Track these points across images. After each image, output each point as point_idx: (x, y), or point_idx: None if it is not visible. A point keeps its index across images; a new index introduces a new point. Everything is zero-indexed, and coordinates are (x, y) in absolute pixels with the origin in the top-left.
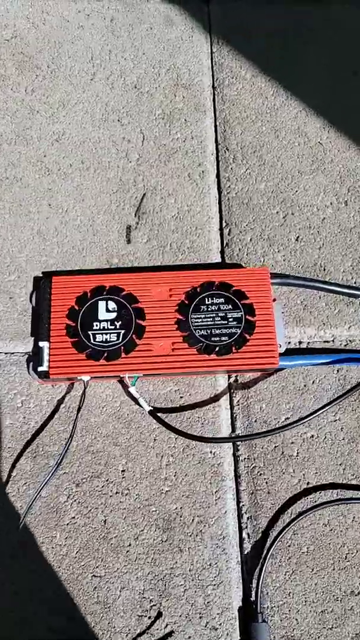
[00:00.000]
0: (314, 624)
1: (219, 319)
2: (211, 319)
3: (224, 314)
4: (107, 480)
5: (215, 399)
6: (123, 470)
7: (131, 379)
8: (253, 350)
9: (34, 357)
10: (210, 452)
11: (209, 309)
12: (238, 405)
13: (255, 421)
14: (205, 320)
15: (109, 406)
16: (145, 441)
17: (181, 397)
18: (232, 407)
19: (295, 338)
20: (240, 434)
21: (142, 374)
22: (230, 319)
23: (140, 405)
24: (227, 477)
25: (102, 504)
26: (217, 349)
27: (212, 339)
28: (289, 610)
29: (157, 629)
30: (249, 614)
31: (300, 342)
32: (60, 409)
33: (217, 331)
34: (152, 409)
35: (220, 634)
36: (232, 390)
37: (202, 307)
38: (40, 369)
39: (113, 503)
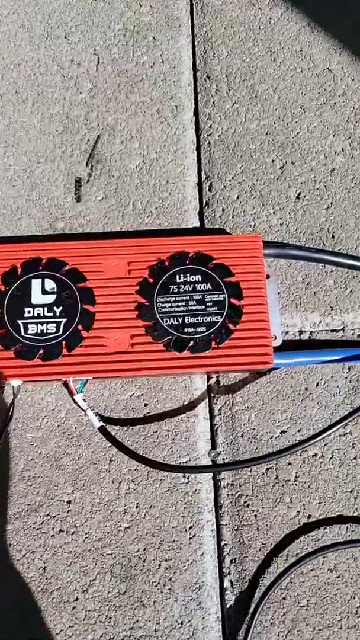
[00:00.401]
0: None
1: (194, 303)
2: (184, 304)
3: (200, 297)
4: (47, 515)
5: (191, 406)
6: (69, 502)
7: (77, 383)
8: (239, 345)
9: None
10: (184, 475)
11: (181, 290)
12: (220, 414)
13: (242, 436)
14: (175, 304)
15: (50, 417)
16: (98, 463)
17: (146, 405)
18: (212, 417)
19: (294, 327)
20: (221, 454)
21: (91, 376)
22: (209, 304)
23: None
24: (205, 508)
25: (40, 545)
26: (191, 343)
27: (185, 330)
28: None
29: None
30: None
31: (301, 332)
32: None
33: (192, 320)
34: (102, 424)
35: None
36: (212, 395)
37: (172, 287)
38: None
39: (55, 545)
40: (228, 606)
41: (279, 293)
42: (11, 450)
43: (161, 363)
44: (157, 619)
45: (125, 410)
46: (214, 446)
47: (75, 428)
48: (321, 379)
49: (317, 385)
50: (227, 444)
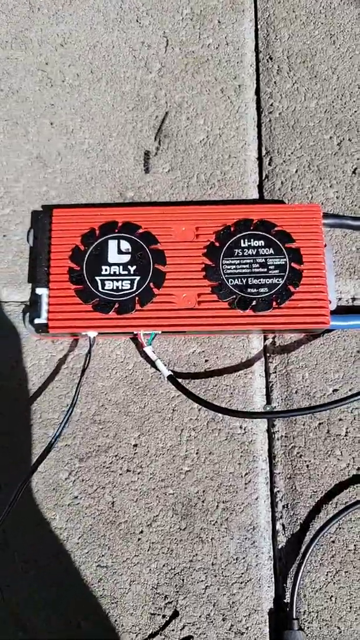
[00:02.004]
0: None
1: (258, 266)
2: (247, 266)
3: (263, 260)
4: (116, 456)
5: (248, 364)
6: (135, 445)
7: (147, 336)
8: (299, 306)
9: (31, 307)
10: (240, 427)
11: (245, 254)
12: (275, 372)
13: (296, 392)
14: (240, 267)
15: (119, 368)
16: (163, 411)
17: (206, 361)
18: (267, 375)
19: (347, 294)
20: (276, 409)
21: (160, 331)
22: (272, 267)
23: (157, 369)
24: (260, 457)
25: (109, 482)
26: (253, 302)
27: (248, 290)
28: (331, 617)
29: (173, 630)
30: (282, 619)
31: (353, 299)
32: (61, 370)
33: (255, 281)
34: (171, 373)
35: None
36: (268, 354)
37: (237, 250)
38: (37, 321)
39: (123, 482)
40: (280, 547)
41: (333, 261)
42: (84, 396)
43: (225, 320)
44: (214, 553)
45: (187, 365)
46: (269, 401)
47: (142, 379)
48: None
49: None
50: (282, 399)
